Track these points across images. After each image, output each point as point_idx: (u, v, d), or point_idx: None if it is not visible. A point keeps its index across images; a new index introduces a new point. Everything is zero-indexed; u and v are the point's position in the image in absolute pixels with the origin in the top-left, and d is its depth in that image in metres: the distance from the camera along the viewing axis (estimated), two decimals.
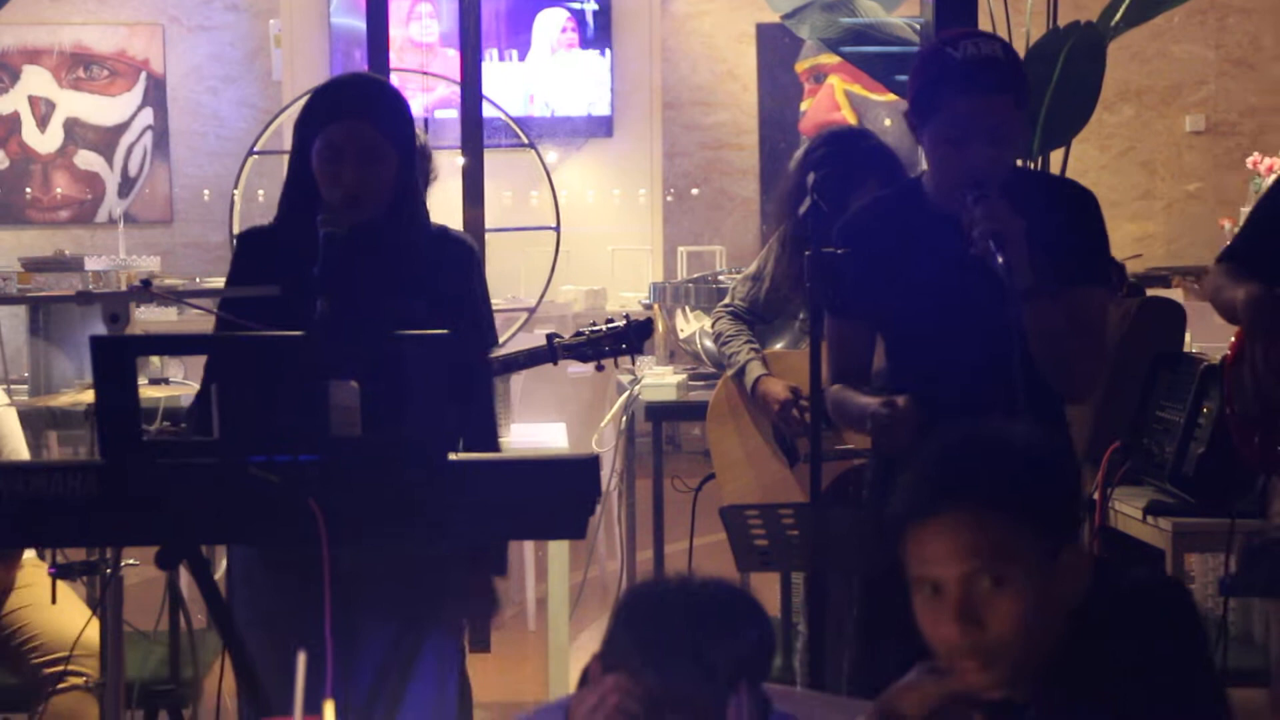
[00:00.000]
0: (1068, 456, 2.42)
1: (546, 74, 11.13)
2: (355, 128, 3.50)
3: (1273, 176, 7.36)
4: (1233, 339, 4.08)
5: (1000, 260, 3.40)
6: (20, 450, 4.68)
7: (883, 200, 3.95)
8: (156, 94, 11.41)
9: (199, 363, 3.93)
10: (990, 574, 2.23)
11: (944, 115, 3.57)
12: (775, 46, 11.05)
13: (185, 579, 4.28)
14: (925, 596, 2.28)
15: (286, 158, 3.68)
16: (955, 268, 3.51)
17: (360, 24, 7.59)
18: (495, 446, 3.79)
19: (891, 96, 8.47)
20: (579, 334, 4.70)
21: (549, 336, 4.73)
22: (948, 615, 2.25)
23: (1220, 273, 4.05)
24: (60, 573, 4.24)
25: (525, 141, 8.35)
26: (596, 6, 11.11)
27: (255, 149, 7.99)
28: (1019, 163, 5.85)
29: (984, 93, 3.55)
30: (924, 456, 2.37)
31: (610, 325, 4.70)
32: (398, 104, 3.63)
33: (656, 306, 8.61)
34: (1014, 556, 2.23)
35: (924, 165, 3.96)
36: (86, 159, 11.45)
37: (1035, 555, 2.24)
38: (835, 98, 11.03)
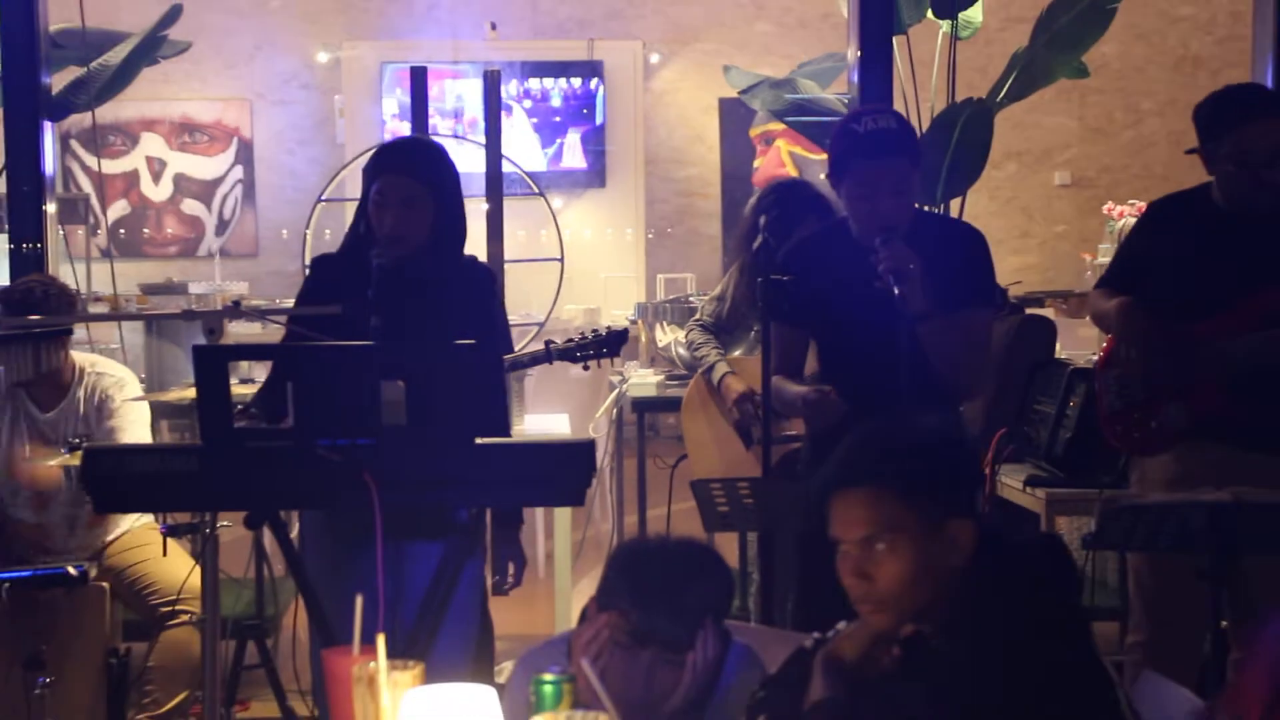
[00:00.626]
0: (959, 448, 2.39)
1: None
2: (398, 180, 3.50)
3: (1122, 221, 7.37)
4: (1100, 350, 4.09)
5: (897, 292, 3.41)
6: (145, 437, 4.69)
7: (817, 235, 3.95)
8: (245, 154, 11.39)
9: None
10: (881, 540, 2.25)
11: (854, 175, 3.59)
12: (734, 116, 11.03)
13: (267, 537, 4.26)
14: (840, 553, 2.30)
15: (347, 204, 3.66)
16: (870, 290, 3.51)
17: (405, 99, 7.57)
18: (507, 432, 3.77)
19: (825, 155, 8.46)
20: (569, 340, 4.71)
21: (546, 343, 4.74)
22: (848, 570, 2.28)
23: (1097, 295, 4.10)
24: (170, 532, 4.24)
25: (536, 191, 8.34)
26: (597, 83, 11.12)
27: (322, 198, 7.97)
28: (928, 208, 5.88)
29: (883, 156, 3.56)
30: (843, 443, 2.37)
31: (594, 333, 4.71)
32: (438, 161, 3.60)
33: (640, 322, 8.61)
34: (901, 527, 2.24)
35: None
36: (191, 206, 11.42)
37: (921, 527, 2.24)
38: (781, 156, 11.02)
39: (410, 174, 3.51)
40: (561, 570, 5.52)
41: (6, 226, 5.56)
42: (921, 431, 2.36)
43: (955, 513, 2.27)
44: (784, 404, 3.79)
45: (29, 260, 5.40)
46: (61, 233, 5.91)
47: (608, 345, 4.68)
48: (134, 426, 4.65)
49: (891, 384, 3.43)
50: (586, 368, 4.81)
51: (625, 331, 4.78)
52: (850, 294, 3.59)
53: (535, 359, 4.69)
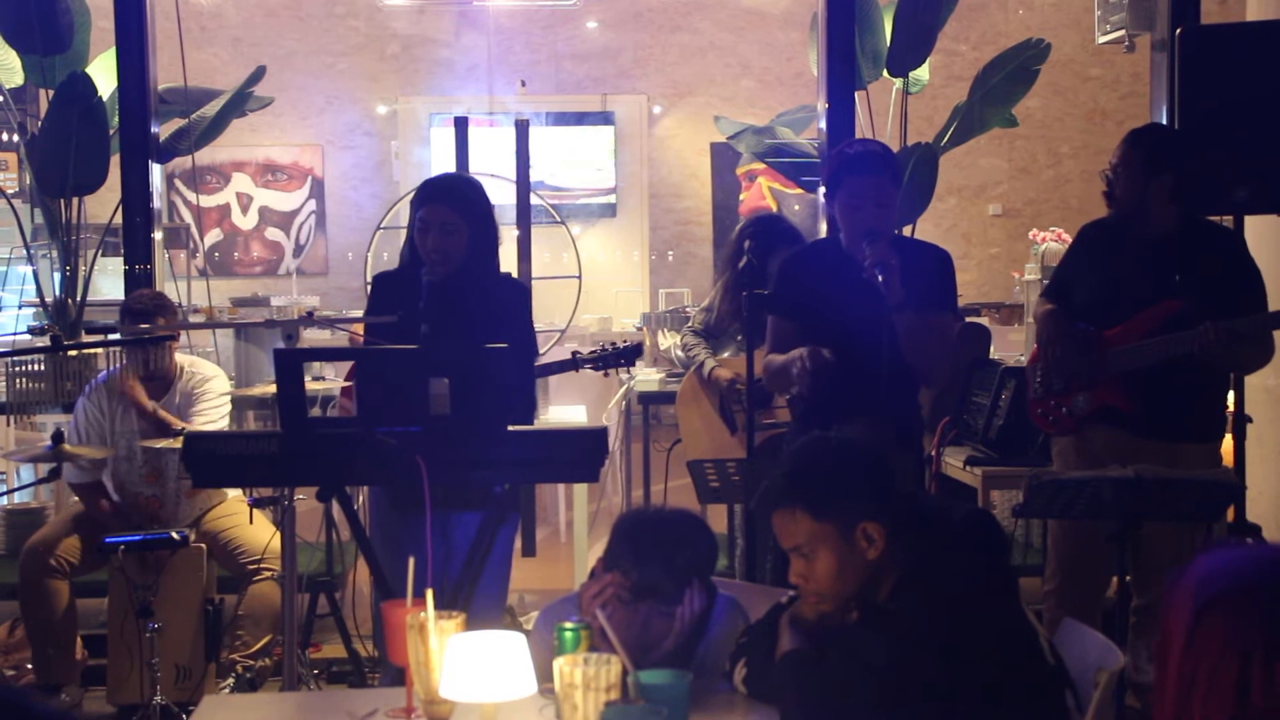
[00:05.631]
0: (861, 465, 2.35)
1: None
2: (437, 210, 3.48)
3: (1045, 245, 7.35)
4: (1032, 349, 4.12)
5: (881, 279, 3.42)
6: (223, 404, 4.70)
7: (809, 248, 3.96)
8: (318, 190, 11.39)
9: (343, 367, 3.90)
10: (806, 549, 2.26)
11: (846, 189, 3.60)
12: (723, 157, 11.03)
13: (335, 507, 4.27)
14: (789, 558, 2.32)
15: (402, 231, 3.66)
16: (856, 291, 3.52)
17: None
18: (530, 420, 3.75)
19: (799, 190, 8.44)
20: (592, 351, 4.69)
21: (573, 353, 4.73)
22: (792, 572, 2.30)
23: (1039, 301, 4.14)
24: (255, 503, 4.24)
25: (558, 219, 8.34)
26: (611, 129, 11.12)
27: (381, 226, 7.96)
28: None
29: (870, 173, 3.57)
30: (770, 474, 2.36)
31: (614, 346, 4.69)
32: (473, 192, 3.59)
33: (645, 329, 8.60)
34: (817, 538, 2.25)
35: (821, 233, 3.97)
36: (272, 233, 11.42)
37: (835, 535, 2.25)
38: (763, 191, 11.01)
39: (447, 204, 3.50)
40: (580, 535, 5.52)
41: (123, 251, 5.57)
42: (826, 455, 2.33)
43: (863, 517, 2.25)
44: (776, 371, 3.70)
45: (141, 278, 5.41)
46: (167, 256, 5.90)
47: (625, 356, 4.68)
48: (215, 397, 4.65)
49: (871, 369, 3.44)
50: (606, 375, 4.81)
51: (641, 345, 4.78)
52: (839, 293, 3.60)
53: (563, 366, 4.69)
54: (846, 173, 3.59)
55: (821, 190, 3.76)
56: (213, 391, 4.65)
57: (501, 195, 8.00)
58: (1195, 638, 1.18)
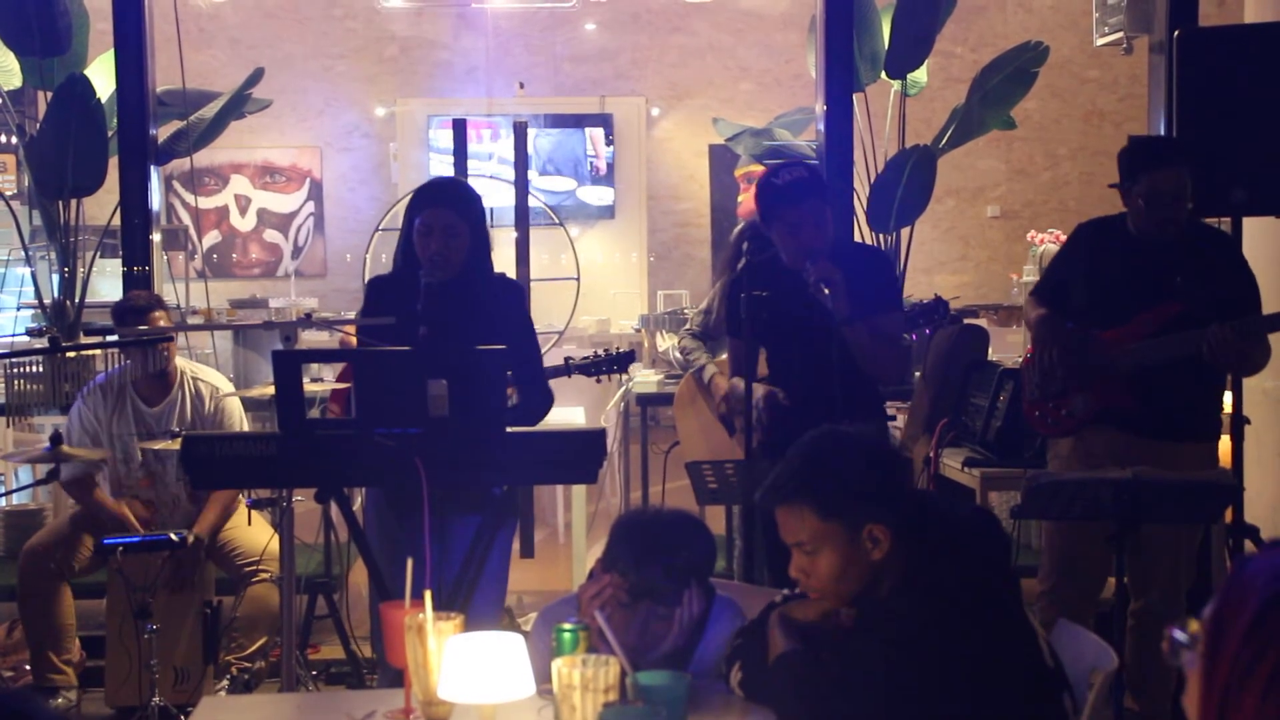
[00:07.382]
0: (869, 465, 2.33)
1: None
2: (438, 213, 3.48)
3: (1043, 246, 7.36)
4: (1027, 350, 4.13)
5: (827, 291, 3.47)
6: (244, 426, 4.70)
7: (757, 264, 3.93)
8: (316, 192, 11.38)
9: (338, 368, 3.89)
10: (810, 547, 2.25)
11: (782, 219, 3.68)
12: (721, 159, 11.01)
13: (334, 509, 4.26)
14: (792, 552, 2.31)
15: (401, 233, 3.65)
16: (802, 306, 3.56)
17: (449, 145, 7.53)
18: (546, 413, 3.76)
19: None
20: (585, 358, 4.70)
21: (566, 359, 4.73)
22: (794, 567, 2.29)
23: (1029, 303, 4.16)
24: (253, 505, 4.24)
25: (557, 221, 8.34)
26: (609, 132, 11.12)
27: (379, 228, 7.97)
28: (876, 237, 5.87)
29: (802, 201, 3.62)
30: (775, 467, 2.34)
31: (606, 353, 4.70)
32: (470, 196, 3.60)
33: (643, 330, 8.60)
34: (822, 536, 2.24)
35: None
36: (271, 235, 11.41)
37: (841, 534, 2.23)
38: None
39: (449, 207, 3.50)
40: (578, 536, 5.52)
41: (121, 252, 5.57)
42: (837, 453, 2.32)
43: (870, 518, 2.23)
44: (739, 401, 3.82)
45: (139, 280, 5.41)
46: (165, 258, 5.89)
47: (617, 363, 4.69)
48: (238, 420, 4.68)
49: (826, 381, 3.47)
50: (599, 381, 4.82)
51: (632, 353, 4.80)
52: (788, 308, 3.63)
53: (556, 372, 4.69)
54: (779, 203, 3.66)
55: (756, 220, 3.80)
56: (234, 413, 4.65)
57: (500, 197, 8.02)
58: (1258, 630, 1.15)
